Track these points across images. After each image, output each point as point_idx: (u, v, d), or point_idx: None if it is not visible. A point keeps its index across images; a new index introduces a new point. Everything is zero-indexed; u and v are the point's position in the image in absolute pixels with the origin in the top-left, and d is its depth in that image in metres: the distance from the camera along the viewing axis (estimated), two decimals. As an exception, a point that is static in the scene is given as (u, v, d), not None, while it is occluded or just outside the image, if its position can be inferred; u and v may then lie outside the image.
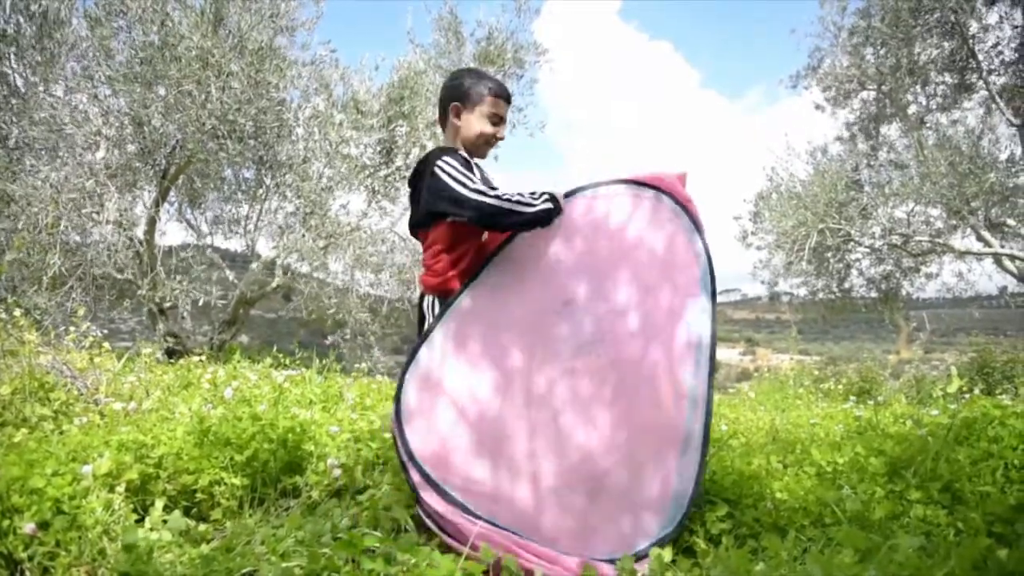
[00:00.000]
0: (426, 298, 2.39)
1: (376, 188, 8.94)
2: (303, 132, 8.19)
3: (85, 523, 2.18)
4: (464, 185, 2.19)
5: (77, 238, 6.86)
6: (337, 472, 2.77)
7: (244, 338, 11.25)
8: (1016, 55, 8.92)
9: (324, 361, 5.91)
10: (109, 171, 6.78)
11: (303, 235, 8.17)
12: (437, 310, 2.33)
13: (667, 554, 1.76)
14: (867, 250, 11.50)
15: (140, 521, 2.35)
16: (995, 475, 2.73)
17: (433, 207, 2.26)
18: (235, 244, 9.54)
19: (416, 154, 8.79)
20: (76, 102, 6.67)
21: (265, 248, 9.12)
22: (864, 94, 11.33)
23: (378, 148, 8.86)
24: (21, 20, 6.49)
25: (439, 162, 2.24)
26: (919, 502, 2.46)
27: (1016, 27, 8.83)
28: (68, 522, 2.14)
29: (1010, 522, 2.24)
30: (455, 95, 2.44)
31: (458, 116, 2.43)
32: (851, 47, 10.71)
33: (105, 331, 5.37)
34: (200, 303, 7.46)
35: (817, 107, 11.65)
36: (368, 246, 8.78)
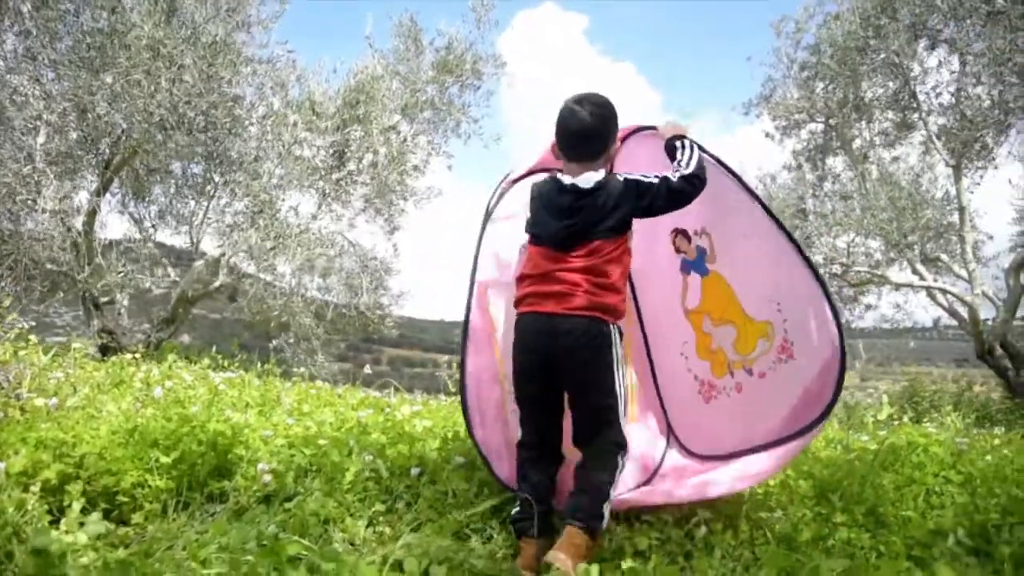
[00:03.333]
0: (608, 325, 2.34)
1: (327, 191, 8.84)
2: (256, 131, 8.06)
3: (-6, 523, 2.08)
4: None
5: (10, 225, 6.59)
6: (267, 478, 2.70)
7: (186, 338, 10.96)
8: (953, 99, 9.32)
9: (264, 364, 5.79)
10: (49, 157, 6.54)
11: (251, 234, 8.01)
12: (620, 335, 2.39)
13: (594, 570, 1.76)
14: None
15: (55, 523, 2.25)
16: (917, 500, 2.82)
17: (680, 195, 2.37)
18: (179, 240, 9.31)
19: (370, 159, 8.73)
20: (16, 83, 6.43)
21: (210, 246, 8.92)
22: (812, 126, 11.67)
23: (331, 151, 8.77)
24: (-40, -5, 6.26)
25: (625, 174, 2.40)
26: (844, 525, 2.52)
27: (953, 72, 9.24)
28: (-27, 522, 2.04)
29: (928, 546, 2.31)
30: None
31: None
32: (802, 80, 11.04)
33: (34, 324, 5.14)
34: (138, 297, 7.23)
35: (767, 135, 11.97)
36: (316, 248, 8.66)
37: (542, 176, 2.63)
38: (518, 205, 2.70)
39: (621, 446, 2.34)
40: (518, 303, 2.43)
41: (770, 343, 2.62)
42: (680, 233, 2.82)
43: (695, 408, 2.83)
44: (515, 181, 2.79)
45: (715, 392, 2.77)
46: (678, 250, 2.85)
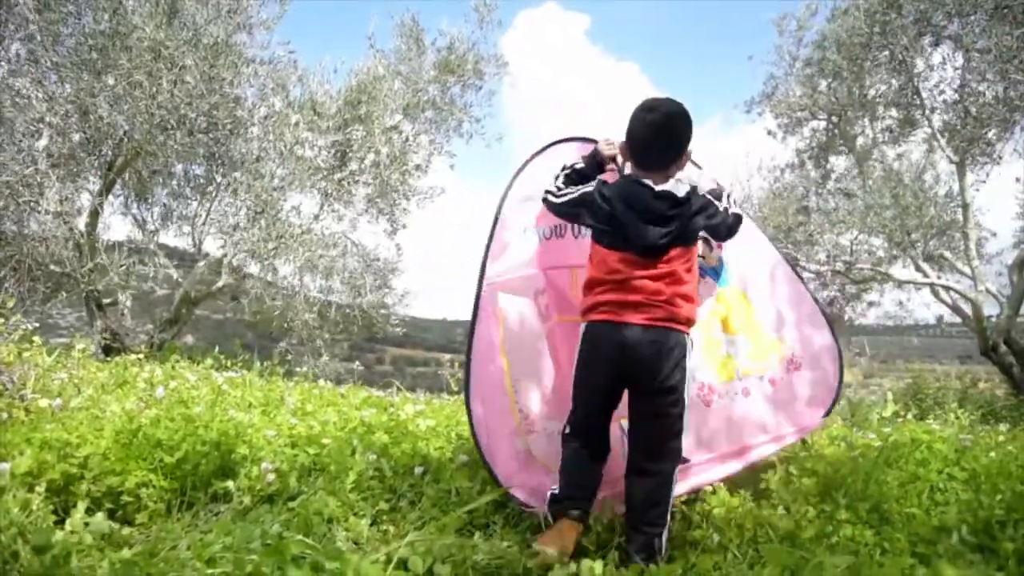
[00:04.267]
0: (685, 336, 2.37)
1: (329, 191, 8.84)
2: (258, 131, 8.06)
3: (-1, 524, 2.08)
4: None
5: (13, 227, 6.60)
6: (271, 477, 2.71)
7: (189, 338, 10.98)
8: (957, 96, 9.27)
9: (267, 364, 5.79)
10: (51, 159, 6.55)
11: (253, 234, 8.02)
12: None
13: (598, 567, 1.76)
14: (812, 275, 11.79)
15: (60, 523, 2.26)
16: (921, 497, 2.81)
17: (735, 228, 2.46)
18: (182, 242, 9.31)
19: (372, 159, 8.73)
20: (19, 86, 6.44)
21: (213, 247, 8.92)
22: (815, 123, 11.66)
23: (333, 151, 8.77)
24: (-37, -1, 6.27)
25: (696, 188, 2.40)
26: (848, 522, 2.51)
27: (957, 69, 9.20)
28: (-21, 522, 2.04)
29: (932, 542, 2.31)
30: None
31: None
32: (804, 77, 11.02)
33: (38, 325, 5.15)
34: (141, 298, 7.24)
35: (769, 133, 11.95)
36: (318, 249, 8.66)
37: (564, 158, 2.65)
38: (532, 188, 2.68)
39: (679, 457, 2.41)
40: (590, 309, 2.39)
41: (781, 357, 2.88)
42: (704, 240, 2.83)
43: (696, 411, 2.80)
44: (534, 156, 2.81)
45: (714, 395, 2.82)
46: (700, 256, 2.84)
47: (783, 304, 2.93)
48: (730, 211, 2.44)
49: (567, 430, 2.46)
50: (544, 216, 2.72)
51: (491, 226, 2.72)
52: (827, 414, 2.78)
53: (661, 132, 2.38)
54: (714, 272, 2.89)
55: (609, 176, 2.59)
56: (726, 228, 2.45)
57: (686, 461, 2.59)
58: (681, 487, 2.61)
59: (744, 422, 2.81)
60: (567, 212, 2.51)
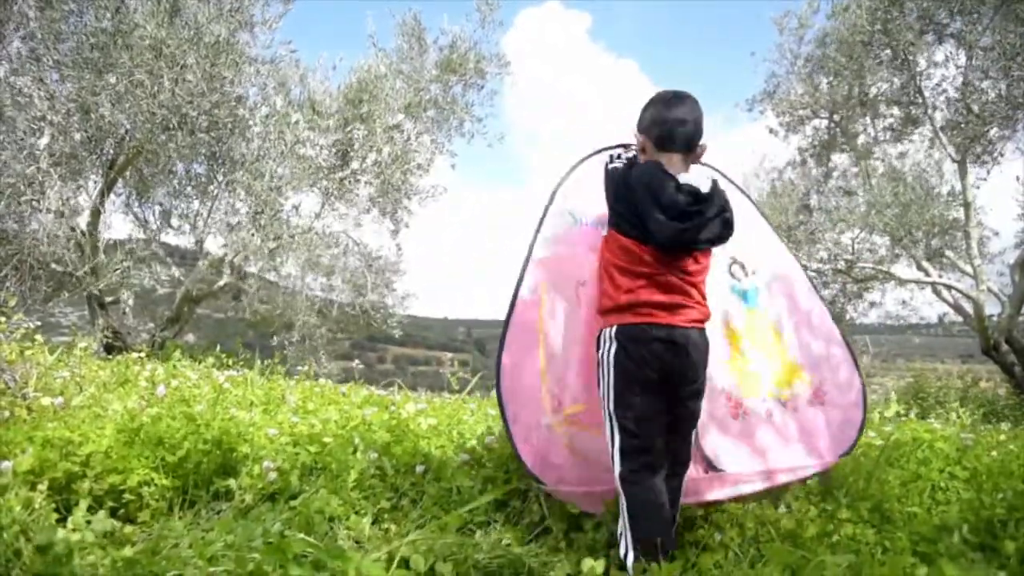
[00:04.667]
0: (696, 333, 2.29)
1: (331, 190, 8.84)
2: (259, 130, 8.06)
3: (1, 522, 2.08)
4: None
5: (15, 226, 6.60)
6: (272, 476, 2.71)
7: (191, 337, 10.98)
8: (959, 94, 9.26)
9: (267, 362, 5.79)
10: (53, 158, 6.55)
11: (252, 234, 8.02)
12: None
13: (599, 567, 1.76)
14: (814, 274, 11.78)
15: (62, 521, 2.26)
16: (922, 496, 2.82)
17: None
18: (183, 240, 9.32)
19: (373, 158, 8.73)
20: (20, 85, 6.44)
21: (214, 246, 8.93)
22: (816, 122, 11.64)
23: (334, 150, 8.77)
24: (-37, -3, 6.26)
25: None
26: (849, 521, 2.51)
27: (959, 67, 9.18)
28: (-19, 520, 2.05)
29: (933, 541, 2.30)
30: None
31: None
32: (805, 75, 11.00)
33: (39, 323, 5.15)
34: (143, 297, 7.25)
35: (771, 131, 11.93)
36: (319, 248, 8.67)
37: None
38: (585, 178, 2.67)
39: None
40: (625, 309, 2.25)
41: (807, 387, 2.85)
42: (738, 263, 2.89)
43: (722, 421, 2.79)
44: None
45: (741, 411, 2.78)
46: (732, 275, 2.88)
47: (814, 338, 2.94)
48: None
49: (625, 469, 2.22)
50: (592, 207, 2.66)
51: (544, 207, 2.70)
52: (846, 453, 2.75)
53: (690, 111, 2.34)
54: (746, 296, 2.90)
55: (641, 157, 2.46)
56: (729, 227, 2.35)
57: (718, 469, 2.60)
58: (717, 494, 2.62)
59: (770, 445, 2.75)
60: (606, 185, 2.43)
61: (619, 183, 2.34)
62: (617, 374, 2.23)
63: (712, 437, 2.69)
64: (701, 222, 2.25)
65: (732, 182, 2.87)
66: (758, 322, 2.88)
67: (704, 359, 2.30)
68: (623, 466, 2.21)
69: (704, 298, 2.33)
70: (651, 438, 2.22)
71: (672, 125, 2.31)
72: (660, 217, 2.20)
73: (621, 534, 2.21)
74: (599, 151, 2.71)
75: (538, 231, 2.65)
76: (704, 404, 2.41)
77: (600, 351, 2.30)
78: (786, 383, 2.84)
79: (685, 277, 2.26)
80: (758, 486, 2.66)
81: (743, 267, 2.88)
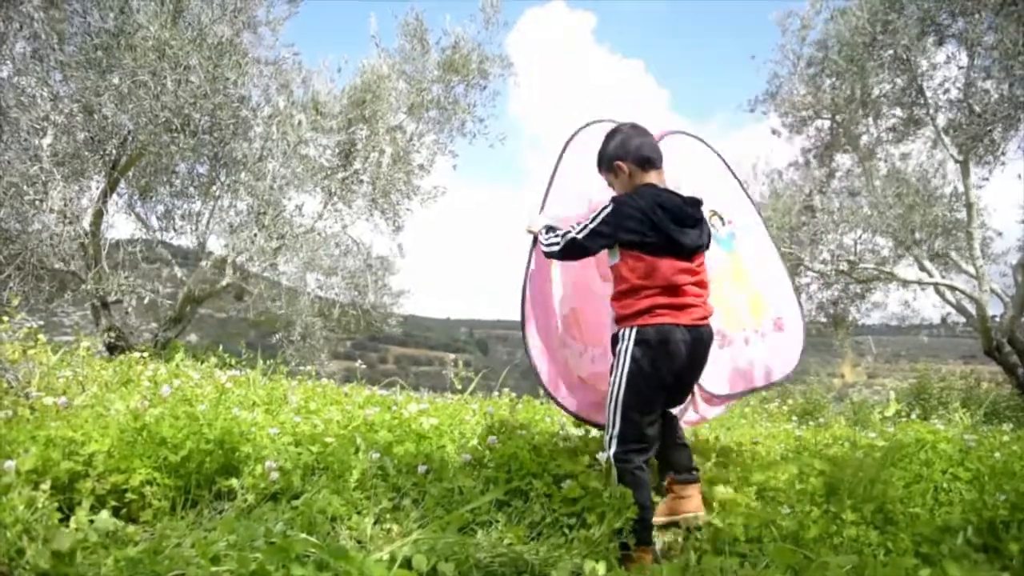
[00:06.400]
0: (706, 330, 2.60)
1: (333, 190, 8.85)
2: (262, 130, 8.07)
3: (4, 521, 2.09)
4: None
5: (17, 226, 6.61)
6: (275, 475, 2.71)
7: (193, 337, 11.00)
8: (961, 94, 9.24)
9: (269, 362, 5.80)
10: (56, 158, 6.56)
11: (255, 234, 8.02)
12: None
13: (600, 568, 1.76)
14: (816, 275, 11.77)
15: (65, 521, 2.26)
16: (925, 497, 2.81)
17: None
18: (186, 241, 9.32)
19: (375, 158, 8.73)
20: (24, 85, 6.45)
21: (217, 246, 8.93)
22: (819, 122, 11.61)
23: (337, 150, 8.77)
24: (-33, -2, 6.27)
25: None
26: (852, 522, 2.51)
27: (961, 68, 9.16)
28: (-15, 519, 2.05)
29: (936, 543, 2.30)
30: None
31: None
32: (808, 76, 10.98)
33: (42, 323, 5.16)
34: (146, 300, 7.26)
35: (773, 132, 11.91)
36: (321, 248, 8.67)
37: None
38: (585, 148, 2.99)
39: None
40: (641, 313, 2.51)
41: (771, 317, 3.41)
42: (717, 215, 3.30)
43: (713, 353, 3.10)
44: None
45: (726, 342, 3.27)
46: (712, 226, 3.16)
47: (771, 275, 3.48)
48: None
49: (620, 450, 2.53)
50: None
51: (551, 173, 3.11)
52: (795, 368, 3.42)
53: (647, 134, 2.75)
54: (724, 242, 3.35)
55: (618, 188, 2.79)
56: None
57: (711, 394, 3.14)
58: (712, 412, 3.35)
59: (751, 366, 3.31)
60: (582, 246, 2.64)
61: (629, 217, 2.55)
62: (632, 371, 2.50)
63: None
64: (704, 227, 2.63)
65: (702, 141, 3.40)
66: (733, 264, 3.38)
67: (708, 352, 2.61)
68: (618, 448, 2.53)
69: (707, 295, 2.62)
70: (650, 428, 2.56)
71: (647, 149, 2.68)
72: (676, 229, 2.51)
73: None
74: (598, 121, 3.12)
75: (548, 191, 3.07)
76: None
77: (617, 347, 2.57)
78: (757, 313, 3.40)
79: (691, 279, 2.55)
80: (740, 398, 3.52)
81: (721, 218, 3.35)
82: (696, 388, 3.11)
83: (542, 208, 3.02)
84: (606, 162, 2.74)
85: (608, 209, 2.56)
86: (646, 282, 2.51)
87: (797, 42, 10.96)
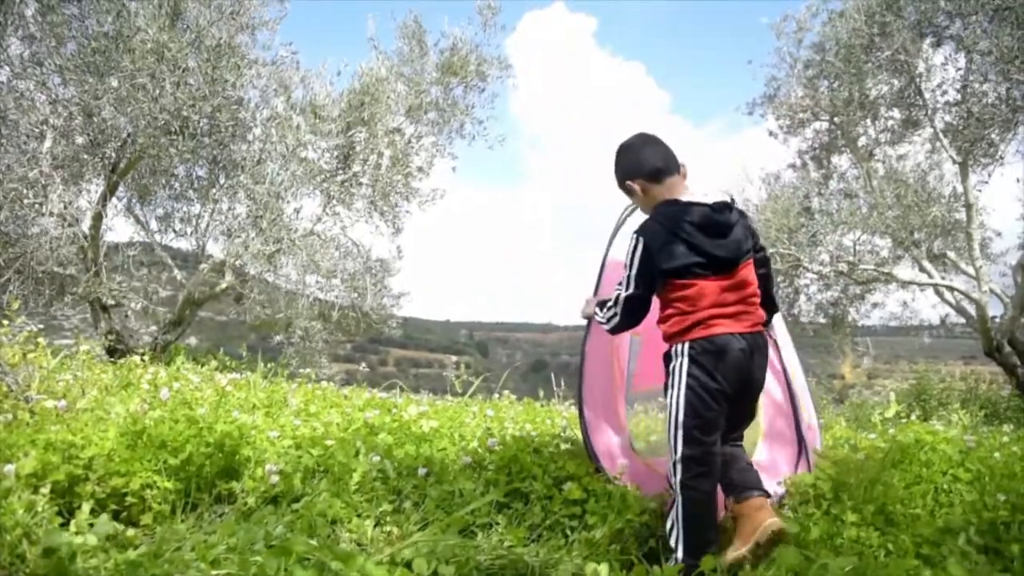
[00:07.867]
0: (760, 337, 2.46)
1: (332, 193, 8.85)
2: (260, 133, 8.07)
3: (4, 525, 2.08)
4: None
5: (17, 229, 6.61)
6: (275, 478, 2.71)
7: (193, 340, 10.99)
8: (959, 96, 9.26)
9: (269, 365, 5.80)
10: (55, 162, 6.57)
11: (252, 237, 8.02)
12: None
13: (602, 570, 1.76)
14: (815, 276, 11.77)
15: (65, 524, 2.26)
16: (925, 498, 2.81)
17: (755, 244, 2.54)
18: (185, 243, 9.32)
19: (374, 161, 8.73)
20: (22, 88, 6.45)
21: (216, 249, 8.93)
22: (817, 124, 11.62)
23: (335, 153, 8.77)
24: (-34, 2, 6.27)
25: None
26: (853, 524, 2.51)
27: (959, 69, 9.18)
28: (-15, 523, 2.05)
29: (937, 544, 2.30)
30: None
31: None
32: (806, 79, 10.99)
33: (42, 326, 5.16)
34: (138, 307, 7.26)
35: (771, 134, 11.92)
36: (320, 251, 8.67)
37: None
38: None
39: None
40: (695, 326, 2.35)
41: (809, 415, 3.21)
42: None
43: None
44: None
45: (805, 425, 3.15)
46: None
47: (803, 379, 3.29)
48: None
49: (686, 476, 2.32)
50: None
51: (602, 257, 3.10)
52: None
53: (656, 140, 2.55)
54: None
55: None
56: None
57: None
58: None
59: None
60: (637, 297, 2.46)
61: (660, 249, 2.38)
62: (689, 387, 2.32)
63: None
64: (741, 228, 2.45)
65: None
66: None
67: (766, 361, 2.47)
68: (684, 475, 2.32)
69: (756, 298, 2.47)
70: (714, 446, 2.35)
71: (656, 157, 2.49)
72: (708, 241, 2.36)
73: (672, 527, 2.34)
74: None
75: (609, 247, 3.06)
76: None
77: (671, 365, 2.40)
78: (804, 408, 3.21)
79: (739, 289, 2.40)
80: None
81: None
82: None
83: (595, 293, 2.91)
84: (620, 186, 2.58)
85: (637, 249, 2.40)
86: (693, 308, 2.36)
87: (794, 45, 10.98)
